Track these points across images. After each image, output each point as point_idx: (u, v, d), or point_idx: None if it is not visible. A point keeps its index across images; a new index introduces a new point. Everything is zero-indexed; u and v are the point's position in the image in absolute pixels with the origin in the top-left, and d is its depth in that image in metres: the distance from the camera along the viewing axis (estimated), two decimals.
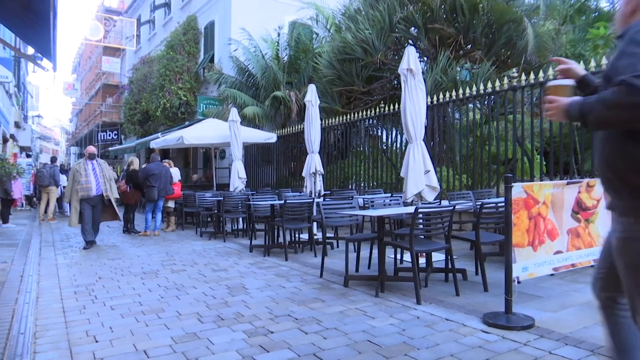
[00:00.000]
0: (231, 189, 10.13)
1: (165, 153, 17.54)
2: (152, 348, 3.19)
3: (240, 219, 9.48)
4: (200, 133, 12.12)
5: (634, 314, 1.85)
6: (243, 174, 10.07)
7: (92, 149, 8.36)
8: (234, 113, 10.34)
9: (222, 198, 9.04)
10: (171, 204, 10.53)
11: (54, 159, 14.81)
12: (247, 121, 12.76)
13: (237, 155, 10.29)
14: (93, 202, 7.94)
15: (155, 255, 7.19)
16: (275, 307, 4.16)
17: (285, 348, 3.16)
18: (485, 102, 8.18)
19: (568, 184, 4.11)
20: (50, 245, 8.34)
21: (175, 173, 10.65)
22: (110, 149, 22.02)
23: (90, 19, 24.01)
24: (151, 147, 13.27)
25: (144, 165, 10.45)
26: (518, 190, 3.63)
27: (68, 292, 4.84)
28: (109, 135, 27.59)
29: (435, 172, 6.19)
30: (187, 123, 16.35)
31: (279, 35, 15.00)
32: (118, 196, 8.60)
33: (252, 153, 14.74)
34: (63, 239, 9.35)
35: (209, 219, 10.55)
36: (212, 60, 17.24)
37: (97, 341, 3.34)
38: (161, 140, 12.68)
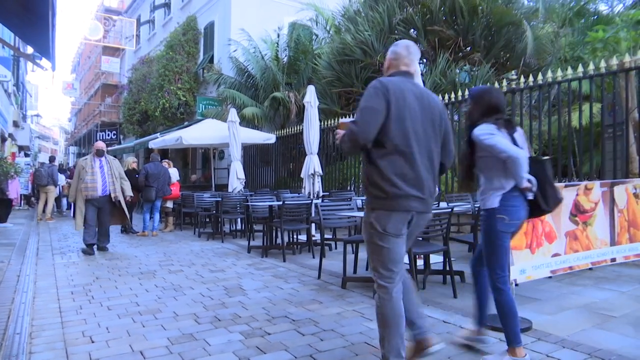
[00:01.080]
0: (230, 189, 10.12)
1: (164, 153, 17.52)
2: (149, 349, 3.18)
3: (239, 220, 9.46)
4: (199, 133, 12.11)
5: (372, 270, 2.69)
6: (242, 175, 10.06)
7: (100, 144, 7.61)
8: (233, 114, 10.34)
9: (220, 199, 9.04)
10: (169, 204, 10.52)
11: (52, 159, 14.78)
12: (246, 122, 12.76)
13: (236, 155, 10.28)
14: (98, 204, 7.26)
15: (153, 255, 7.17)
16: (273, 308, 4.15)
17: (282, 349, 3.15)
18: None
19: (566, 186, 4.11)
20: (47, 245, 8.33)
21: (174, 173, 10.64)
22: (109, 148, 22.00)
23: (89, 19, 23.96)
24: (150, 147, 13.26)
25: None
26: None
27: (65, 292, 4.83)
28: (108, 135, 27.56)
29: None
30: (186, 123, 16.36)
31: (278, 36, 15.02)
32: (132, 194, 7.85)
33: (251, 154, 14.74)
34: (61, 238, 9.33)
35: (207, 220, 10.54)
36: (211, 60, 17.23)
37: (93, 342, 3.33)
38: (160, 141, 12.68)
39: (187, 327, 3.65)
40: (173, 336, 3.44)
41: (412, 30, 10.66)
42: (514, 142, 2.93)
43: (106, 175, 7.30)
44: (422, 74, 7.29)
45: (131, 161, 10.32)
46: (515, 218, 2.91)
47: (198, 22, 18.55)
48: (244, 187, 10.31)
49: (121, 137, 27.15)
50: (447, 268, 4.68)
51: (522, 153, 2.81)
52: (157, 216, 9.80)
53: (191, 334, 3.47)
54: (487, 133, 2.86)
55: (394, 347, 2.52)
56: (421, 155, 2.58)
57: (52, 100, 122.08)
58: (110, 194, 7.34)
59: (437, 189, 5.99)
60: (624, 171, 6.23)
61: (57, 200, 14.89)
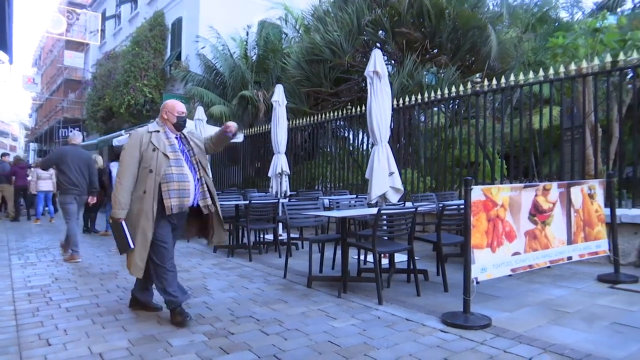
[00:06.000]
0: None
1: None
2: (108, 351, 3.11)
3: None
4: None
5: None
6: (209, 174, 9.92)
7: (178, 106, 3.94)
8: (200, 112, 10.19)
9: None
10: None
11: (4, 155, 14.06)
12: (214, 120, 12.59)
13: None
14: (177, 222, 3.89)
15: (115, 255, 7.00)
16: (237, 308, 4.12)
17: (246, 349, 3.13)
18: (450, 106, 8.35)
19: (525, 187, 4.23)
20: (4, 245, 8.03)
21: None
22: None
23: (52, 11, 23.18)
24: (114, 144, 12.95)
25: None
26: (477, 193, 3.71)
27: (21, 294, 4.67)
28: (71, 132, 26.72)
29: (400, 174, 6.26)
30: (152, 121, 16.00)
31: (247, 34, 14.90)
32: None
33: (219, 152, 14.57)
34: (18, 239, 9.01)
35: None
36: (179, 57, 16.97)
37: (49, 344, 3.23)
38: (124, 138, 12.39)
39: (149, 328, 3.58)
40: (134, 337, 3.37)
41: (380, 31, 10.77)
42: None
43: (195, 166, 3.91)
44: (389, 75, 7.35)
45: (100, 160, 10.04)
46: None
47: (165, 17, 18.24)
48: None
49: (84, 134, 26.41)
50: (411, 267, 4.75)
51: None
52: None
53: (153, 335, 3.41)
54: (113, 165, 7.76)
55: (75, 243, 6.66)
56: (78, 174, 6.68)
57: (10, 94, 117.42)
58: (198, 203, 3.87)
59: (402, 189, 6.06)
60: (581, 172, 6.47)
61: (28, 198, 14.22)
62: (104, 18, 24.38)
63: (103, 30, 24.78)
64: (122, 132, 13.96)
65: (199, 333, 3.45)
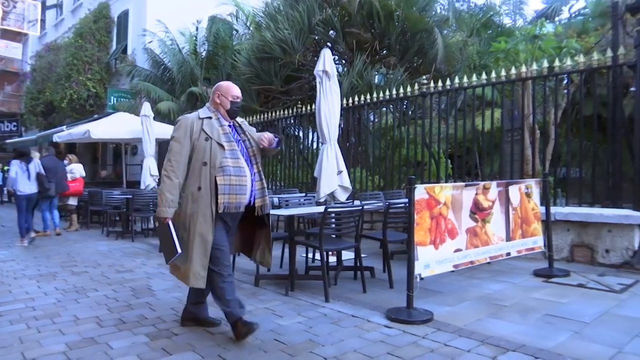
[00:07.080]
0: (142, 186, 9.72)
1: (71, 148, 16.49)
2: (43, 356, 2.98)
3: (151, 218, 9.09)
4: (109, 127, 11.50)
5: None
6: (155, 172, 9.69)
7: (234, 90, 3.46)
8: (146, 107, 9.94)
9: (131, 196, 8.63)
10: (72, 202, 9.86)
11: None
12: (161, 117, 12.29)
13: (150, 151, 9.89)
14: (232, 222, 3.39)
15: (54, 256, 6.70)
16: (182, 308, 4.03)
17: (190, 350, 3.08)
18: (398, 107, 8.53)
19: (466, 186, 4.38)
20: None
21: (78, 169, 10.01)
22: (7, 141, 20.22)
23: None
24: (54, 140, 12.38)
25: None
26: (420, 191, 3.81)
27: None
28: (7, 127, 25.36)
29: (349, 173, 6.33)
30: (95, 116, 15.47)
31: (197, 29, 14.63)
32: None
33: (166, 150, 14.21)
34: None
35: (117, 218, 10.03)
36: (125, 51, 16.44)
37: None
38: (66, 134, 11.89)
39: (88, 331, 3.46)
40: (72, 341, 3.24)
41: (331, 31, 10.83)
42: (27, 168, 7.66)
43: (252, 161, 3.40)
44: (339, 75, 7.43)
45: (37, 156, 9.55)
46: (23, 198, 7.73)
47: (111, 9, 17.60)
48: (157, 185, 9.94)
49: (22, 129, 25.07)
50: (358, 264, 4.82)
51: (18, 176, 7.57)
52: (56, 213, 9.14)
53: (92, 338, 3.29)
54: (13, 163, 7.61)
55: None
56: None
57: None
58: (254, 202, 3.37)
59: (351, 187, 6.11)
60: (520, 172, 6.77)
61: None
62: (44, 7, 23.20)
63: (43, 20, 23.58)
64: (64, 127, 13.38)
65: (141, 334, 3.37)
